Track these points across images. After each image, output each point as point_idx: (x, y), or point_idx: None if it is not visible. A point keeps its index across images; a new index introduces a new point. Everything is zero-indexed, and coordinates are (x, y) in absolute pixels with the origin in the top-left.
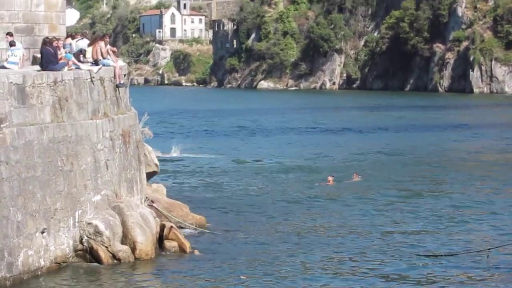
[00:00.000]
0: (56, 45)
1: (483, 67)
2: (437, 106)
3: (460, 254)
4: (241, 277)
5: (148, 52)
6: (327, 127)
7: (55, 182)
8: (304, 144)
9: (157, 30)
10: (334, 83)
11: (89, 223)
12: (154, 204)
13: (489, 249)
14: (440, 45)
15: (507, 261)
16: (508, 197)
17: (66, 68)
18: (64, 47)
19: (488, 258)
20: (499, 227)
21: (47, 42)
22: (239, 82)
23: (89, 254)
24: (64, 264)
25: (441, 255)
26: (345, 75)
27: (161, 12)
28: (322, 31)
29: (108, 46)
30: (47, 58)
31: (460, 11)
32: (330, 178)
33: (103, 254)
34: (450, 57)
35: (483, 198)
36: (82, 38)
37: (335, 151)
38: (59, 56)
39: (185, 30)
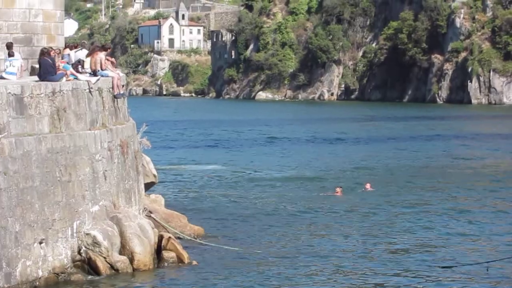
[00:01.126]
0: (54, 54)
1: (481, 78)
2: (436, 116)
3: (457, 266)
4: None
5: (147, 62)
6: (327, 137)
7: (53, 193)
8: (305, 154)
9: (156, 41)
10: (332, 94)
11: (87, 234)
12: (152, 215)
13: (488, 262)
14: (438, 56)
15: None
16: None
17: (64, 78)
18: (62, 58)
19: (487, 271)
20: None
21: (45, 52)
22: (237, 93)
23: (87, 265)
24: (62, 274)
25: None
26: (343, 86)
27: (159, 22)
28: (321, 42)
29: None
30: (45, 69)
31: (458, 22)
32: (338, 189)
33: (101, 264)
34: (449, 68)
35: (489, 209)
36: (81, 49)
37: (337, 162)
38: (57, 66)
39: (183, 41)
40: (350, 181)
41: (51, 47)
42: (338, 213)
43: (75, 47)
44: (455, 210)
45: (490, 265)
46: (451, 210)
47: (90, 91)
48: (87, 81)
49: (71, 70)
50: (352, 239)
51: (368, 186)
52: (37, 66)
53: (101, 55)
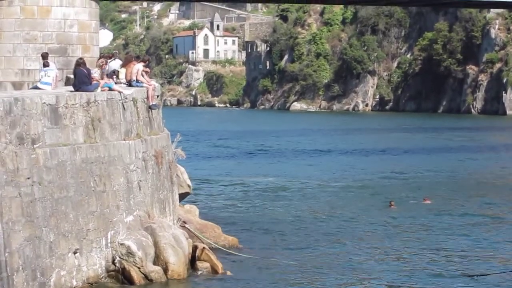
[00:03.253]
0: (102, 64)
1: None
2: (473, 128)
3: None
4: None
5: (181, 73)
6: (364, 148)
7: (87, 203)
8: (348, 166)
9: (190, 51)
10: (367, 105)
11: (121, 244)
12: (186, 225)
13: None
14: (473, 66)
15: None
16: None
17: (99, 89)
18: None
19: None
20: None
21: (80, 63)
22: (272, 104)
23: (121, 275)
24: (96, 284)
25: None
26: (378, 96)
27: (194, 33)
28: (355, 53)
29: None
30: (80, 79)
31: (493, 32)
32: (392, 202)
33: (135, 274)
34: (483, 78)
35: None
36: (114, 59)
37: (381, 174)
38: (93, 77)
39: (218, 51)
40: (402, 195)
41: (102, 57)
42: (386, 226)
43: (110, 58)
44: None
45: None
46: None
47: (122, 103)
48: (120, 92)
49: (114, 87)
50: (395, 253)
51: (426, 199)
52: (72, 76)
53: (139, 66)
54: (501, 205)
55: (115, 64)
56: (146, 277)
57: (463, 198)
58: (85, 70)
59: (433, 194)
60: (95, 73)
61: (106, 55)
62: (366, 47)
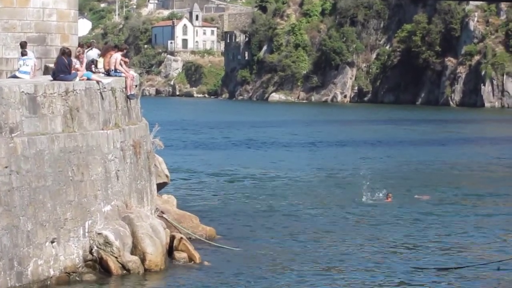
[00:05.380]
0: (79, 53)
1: (494, 82)
2: (451, 120)
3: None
4: None
5: (160, 63)
6: (343, 140)
7: (65, 192)
8: (328, 157)
9: (169, 41)
10: (345, 96)
11: (99, 234)
12: (164, 215)
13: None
14: (451, 59)
15: None
16: None
17: (77, 78)
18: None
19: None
20: None
21: (65, 52)
22: (250, 94)
23: (98, 265)
24: (74, 274)
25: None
26: (356, 88)
27: (173, 23)
28: (334, 44)
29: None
30: (60, 68)
31: (472, 25)
32: (389, 195)
33: (112, 264)
34: (462, 71)
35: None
36: (91, 48)
37: (357, 165)
38: (75, 67)
39: (197, 42)
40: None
41: (81, 46)
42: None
43: (87, 47)
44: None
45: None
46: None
47: (100, 92)
48: (98, 81)
49: (93, 77)
50: (371, 245)
51: (424, 196)
52: (50, 65)
53: (117, 56)
54: (476, 196)
55: (92, 53)
56: (123, 267)
57: (440, 191)
58: (66, 60)
59: (408, 186)
60: (76, 64)
61: (83, 44)
62: (345, 39)
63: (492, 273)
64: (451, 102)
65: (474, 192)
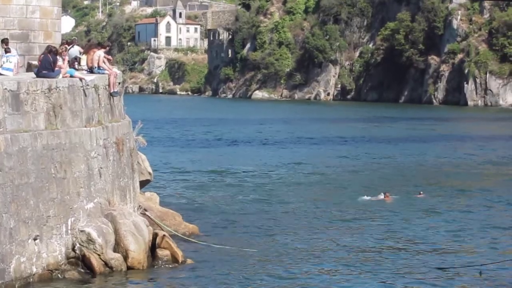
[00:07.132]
0: (61, 51)
1: (477, 80)
2: (434, 118)
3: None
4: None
5: (143, 60)
6: (326, 137)
7: (48, 189)
8: (311, 155)
9: (152, 39)
10: (328, 94)
11: (81, 231)
12: (147, 213)
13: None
14: (435, 57)
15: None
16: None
17: (61, 75)
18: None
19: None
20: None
21: (51, 50)
22: (233, 92)
23: (81, 262)
24: (56, 271)
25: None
26: (339, 86)
27: (156, 20)
28: (317, 42)
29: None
30: (43, 65)
31: (455, 23)
32: (387, 194)
33: (95, 262)
34: (445, 69)
35: (488, 212)
36: (73, 46)
37: (341, 163)
38: (60, 64)
39: (180, 39)
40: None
41: (65, 44)
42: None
43: (69, 44)
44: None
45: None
46: None
47: (83, 89)
48: (81, 79)
49: (76, 74)
50: (360, 244)
51: (420, 194)
52: (33, 62)
53: (100, 53)
54: (463, 196)
55: (74, 50)
56: (106, 264)
57: (427, 190)
58: (51, 58)
59: (393, 185)
60: (59, 61)
61: (65, 41)
62: (328, 36)
63: (492, 273)
64: (434, 100)
65: (461, 189)
